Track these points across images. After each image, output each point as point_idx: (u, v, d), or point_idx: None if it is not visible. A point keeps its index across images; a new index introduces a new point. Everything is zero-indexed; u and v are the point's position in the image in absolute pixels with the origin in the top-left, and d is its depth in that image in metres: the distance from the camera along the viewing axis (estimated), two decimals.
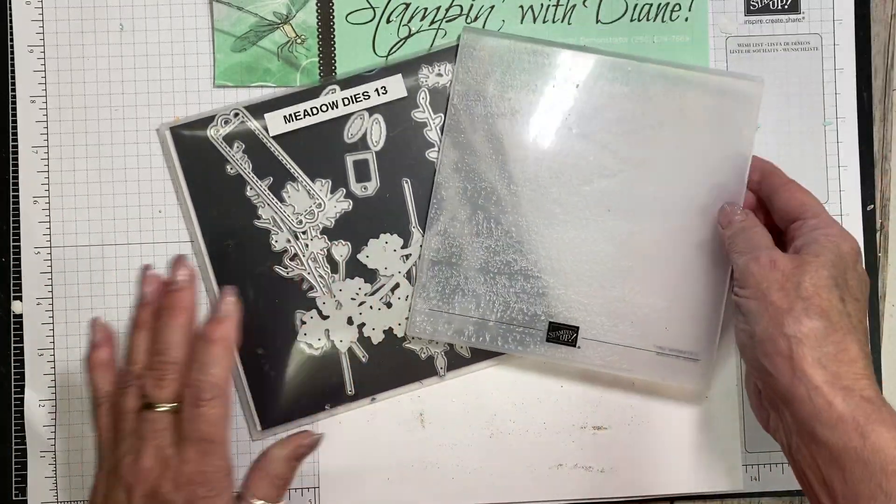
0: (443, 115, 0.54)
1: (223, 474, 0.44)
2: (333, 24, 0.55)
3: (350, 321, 0.54)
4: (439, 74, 0.54)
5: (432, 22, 0.55)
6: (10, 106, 0.54)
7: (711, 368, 0.53)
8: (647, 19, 0.55)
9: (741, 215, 0.51)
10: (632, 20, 0.55)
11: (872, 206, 0.56)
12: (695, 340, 0.53)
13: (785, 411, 0.44)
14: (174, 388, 0.44)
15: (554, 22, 0.55)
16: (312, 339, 0.54)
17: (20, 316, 0.54)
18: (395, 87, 0.54)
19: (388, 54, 0.55)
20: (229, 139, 0.54)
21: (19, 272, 0.54)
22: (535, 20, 0.55)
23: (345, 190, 0.54)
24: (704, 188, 0.54)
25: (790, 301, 0.44)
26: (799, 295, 0.44)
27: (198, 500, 0.43)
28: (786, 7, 0.56)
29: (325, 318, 0.54)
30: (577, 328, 0.53)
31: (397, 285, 0.54)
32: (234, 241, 0.54)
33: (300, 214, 0.54)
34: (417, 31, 0.55)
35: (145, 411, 0.44)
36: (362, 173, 0.54)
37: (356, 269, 0.54)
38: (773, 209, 0.51)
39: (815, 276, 0.44)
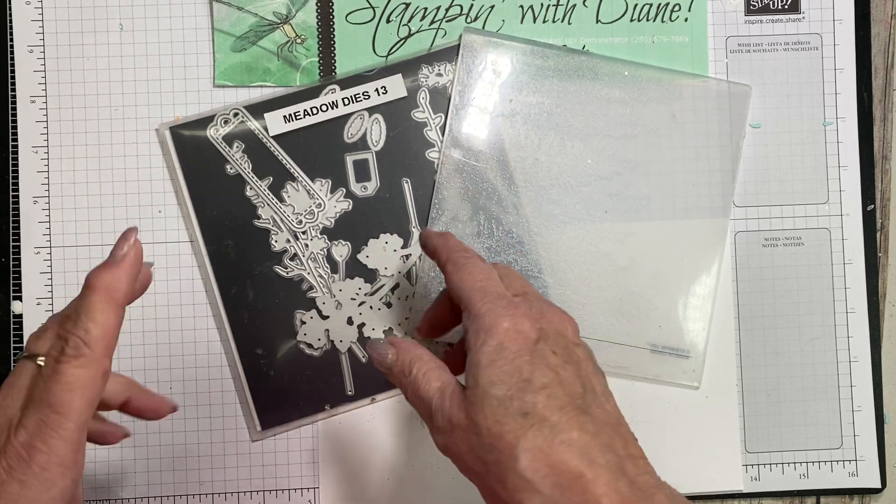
0: (443, 115, 0.54)
1: (57, 462, 0.33)
2: (333, 23, 0.55)
3: (350, 321, 0.54)
4: (439, 74, 0.54)
5: (432, 22, 0.55)
6: (10, 106, 0.54)
7: (702, 364, 0.54)
8: (647, 19, 0.55)
9: (391, 352, 0.42)
10: (632, 20, 0.55)
11: (873, 206, 0.56)
12: (686, 337, 0.54)
13: None
14: (49, 340, 0.35)
15: (554, 22, 0.55)
16: (312, 339, 0.54)
17: (20, 316, 0.54)
18: (395, 86, 0.54)
19: (388, 54, 0.55)
20: (229, 139, 0.54)
21: (19, 272, 0.54)
22: (535, 20, 0.55)
23: (345, 190, 0.54)
24: (696, 191, 0.55)
25: (484, 462, 0.37)
26: (485, 447, 0.37)
27: (9, 479, 0.33)
28: (786, 7, 0.56)
29: (325, 318, 0.54)
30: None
31: (397, 285, 0.54)
32: (234, 241, 0.54)
33: (300, 214, 0.54)
34: (417, 31, 0.55)
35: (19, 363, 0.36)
36: (362, 173, 0.54)
37: (356, 269, 0.54)
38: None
39: (484, 411, 0.37)
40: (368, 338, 0.54)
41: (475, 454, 0.37)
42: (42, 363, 0.34)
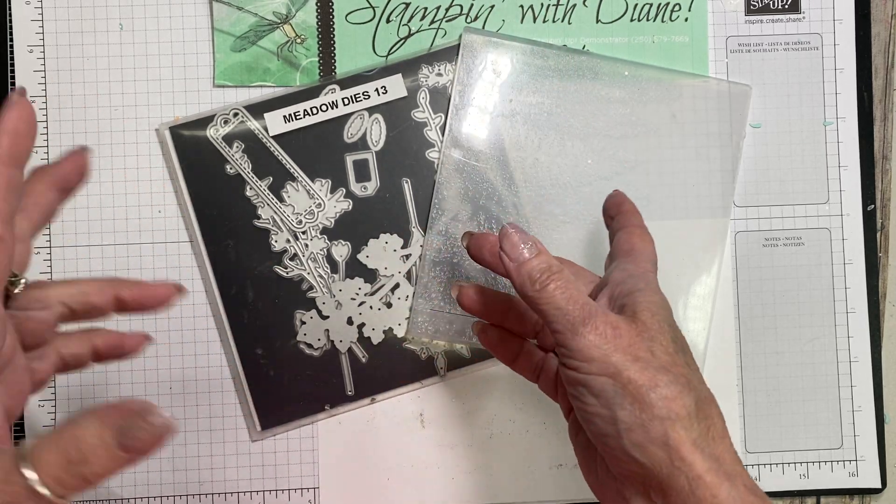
0: (443, 115, 0.54)
1: None
2: (333, 23, 0.55)
3: (350, 321, 0.54)
4: (439, 74, 0.54)
5: (432, 22, 0.55)
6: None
7: (702, 364, 0.54)
8: (647, 19, 0.55)
9: (532, 247, 0.40)
10: (632, 20, 0.55)
11: (873, 206, 0.56)
12: (686, 337, 0.54)
13: (658, 501, 0.37)
14: None
15: (554, 22, 0.55)
16: (312, 339, 0.54)
17: None
18: (395, 86, 0.54)
19: (388, 54, 0.55)
20: (229, 139, 0.54)
21: None
22: (535, 20, 0.55)
23: (344, 190, 0.54)
24: (696, 191, 0.55)
25: (651, 375, 0.37)
26: (659, 365, 0.37)
27: None
28: (786, 7, 0.56)
29: (325, 318, 0.54)
30: None
31: (397, 285, 0.54)
32: (234, 241, 0.54)
33: (300, 214, 0.54)
34: (417, 31, 0.55)
35: None
36: (362, 173, 0.54)
37: (356, 269, 0.54)
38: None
39: (664, 339, 0.38)
40: (368, 338, 0.54)
41: (641, 364, 0.37)
42: None
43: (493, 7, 0.55)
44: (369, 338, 0.54)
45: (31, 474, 0.27)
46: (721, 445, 0.37)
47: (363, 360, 0.54)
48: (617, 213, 0.47)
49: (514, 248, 0.40)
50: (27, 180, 0.34)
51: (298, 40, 0.54)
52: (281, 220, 0.54)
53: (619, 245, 0.44)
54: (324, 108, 0.54)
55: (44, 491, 0.27)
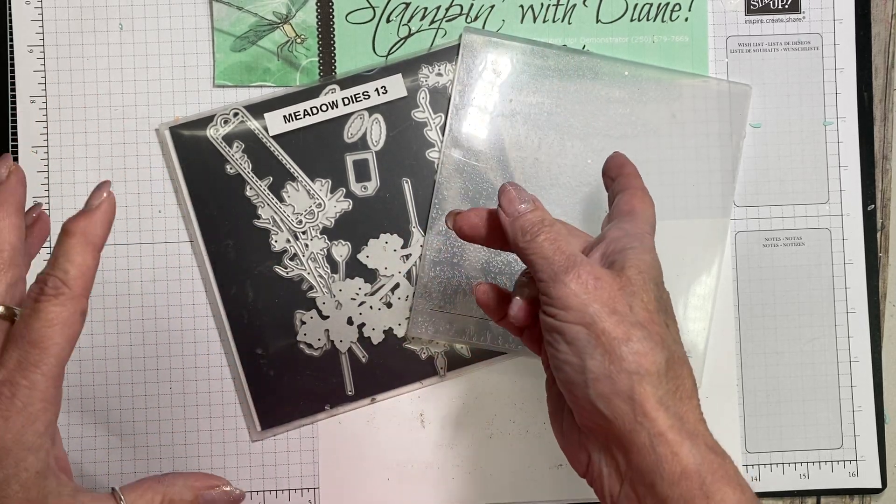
0: (443, 115, 0.54)
1: (39, 397, 0.35)
2: (333, 23, 0.55)
3: (350, 321, 0.54)
4: (439, 74, 0.54)
5: (432, 21, 0.55)
6: (10, 106, 0.54)
7: (702, 364, 0.54)
8: (647, 19, 0.55)
9: (529, 203, 0.41)
10: (632, 20, 0.55)
11: (873, 205, 0.56)
12: (686, 337, 0.54)
13: (619, 456, 0.38)
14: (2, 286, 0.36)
15: (554, 22, 0.55)
16: (312, 339, 0.54)
17: None
18: (395, 86, 0.54)
19: (388, 54, 0.55)
20: (229, 139, 0.54)
21: None
22: (535, 20, 0.55)
23: (345, 190, 0.54)
24: (696, 191, 0.55)
25: (625, 328, 0.37)
26: (635, 320, 0.37)
27: None
28: (786, 7, 0.56)
29: (325, 318, 0.54)
30: None
31: (397, 285, 0.54)
32: (234, 241, 0.54)
33: (300, 214, 0.54)
34: (417, 31, 0.55)
35: None
36: (362, 173, 0.54)
37: (356, 269, 0.54)
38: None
39: (646, 297, 0.38)
40: (368, 338, 0.54)
41: (617, 317, 0.37)
42: (11, 310, 0.36)
43: (493, 7, 0.55)
44: (369, 338, 0.54)
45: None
46: (687, 405, 0.37)
47: (363, 360, 0.54)
48: (618, 174, 0.46)
49: (511, 203, 0.41)
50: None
51: (298, 40, 0.54)
52: (281, 220, 0.54)
53: (618, 206, 0.44)
54: (324, 108, 0.54)
55: None
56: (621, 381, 0.36)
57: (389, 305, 0.54)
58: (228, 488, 0.41)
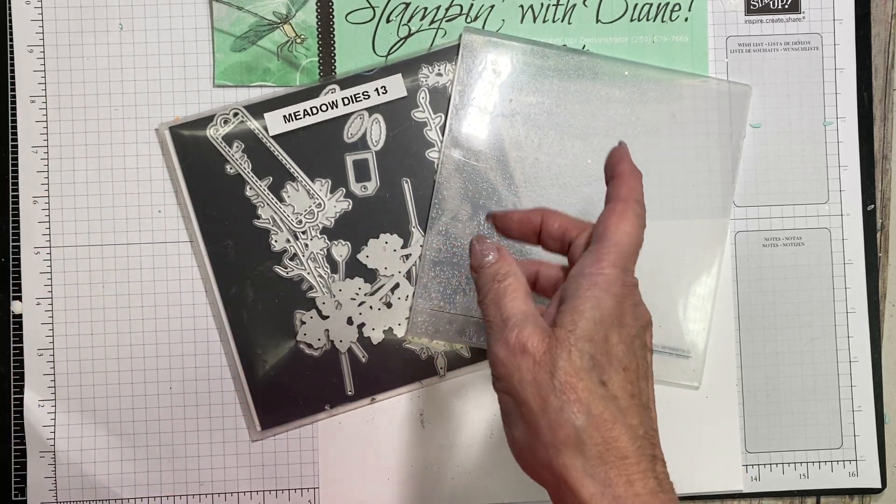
0: (443, 115, 0.54)
1: None
2: (333, 23, 0.55)
3: (350, 321, 0.54)
4: (439, 74, 0.54)
5: (432, 21, 0.55)
6: (10, 106, 0.54)
7: (702, 364, 0.54)
8: (647, 19, 0.55)
9: (493, 254, 0.41)
10: (632, 20, 0.55)
11: (873, 205, 0.56)
12: (686, 337, 0.54)
13: None
14: None
15: (554, 22, 0.55)
16: (312, 339, 0.54)
17: (20, 316, 0.54)
18: (395, 86, 0.54)
19: (388, 54, 0.55)
20: (229, 139, 0.54)
21: (19, 272, 0.54)
22: (535, 20, 0.55)
23: (344, 190, 0.54)
24: (696, 191, 0.55)
25: (543, 398, 0.36)
26: (553, 388, 0.36)
27: None
28: (786, 7, 0.56)
29: (324, 318, 0.54)
30: None
31: (397, 285, 0.54)
32: (234, 241, 0.54)
33: (300, 214, 0.54)
34: (417, 31, 0.55)
35: None
36: (362, 173, 0.54)
37: (356, 269, 0.54)
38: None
39: (570, 357, 0.37)
40: (368, 338, 0.54)
41: (536, 387, 0.37)
42: None
43: (493, 7, 0.55)
44: (369, 338, 0.54)
45: None
46: (617, 468, 0.36)
47: (363, 360, 0.54)
48: (611, 176, 0.43)
49: (476, 257, 0.42)
50: None
51: (298, 40, 0.54)
52: (281, 220, 0.54)
53: (596, 226, 0.41)
54: (324, 108, 0.54)
55: None
56: (541, 453, 0.37)
57: (389, 305, 0.54)
58: None
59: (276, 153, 0.54)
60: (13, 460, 0.54)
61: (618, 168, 0.43)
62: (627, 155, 0.43)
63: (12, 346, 0.54)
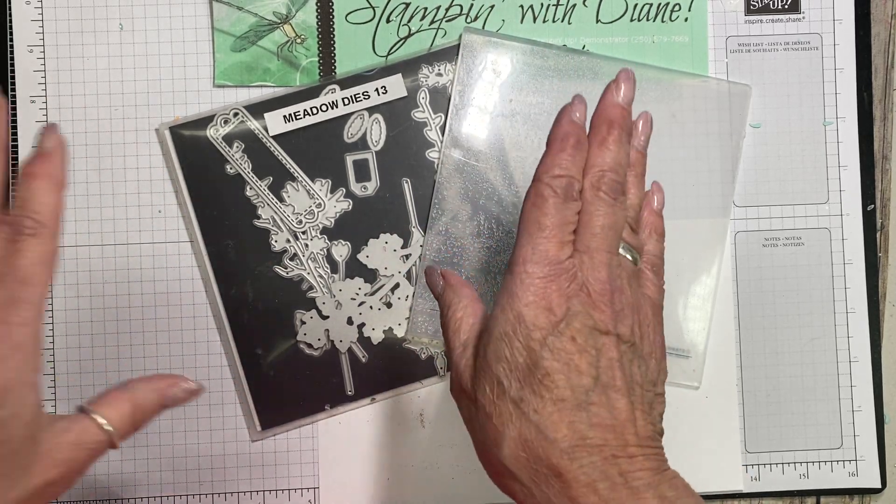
0: (443, 115, 0.54)
1: (31, 334, 0.35)
2: (333, 23, 0.55)
3: (350, 321, 0.54)
4: (439, 74, 0.54)
5: (432, 22, 0.55)
6: (10, 106, 0.54)
7: (702, 364, 0.54)
8: (647, 19, 0.55)
9: (440, 284, 0.42)
10: (632, 20, 0.55)
11: (873, 206, 0.56)
12: (686, 337, 0.54)
13: None
14: None
15: (554, 22, 0.55)
16: (312, 339, 0.54)
17: None
18: (395, 86, 0.54)
19: (388, 54, 0.55)
20: (229, 139, 0.54)
21: None
22: (535, 20, 0.55)
23: (344, 190, 0.54)
24: (696, 191, 0.55)
25: (473, 433, 0.38)
26: (480, 424, 0.37)
27: None
28: (786, 7, 0.56)
29: (324, 318, 0.54)
30: None
31: (397, 285, 0.54)
32: (234, 241, 0.54)
33: (300, 214, 0.54)
34: (417, 31, 0.55)
35: None
36: (362, 173, 0.54)
37: (356, 269, 0.54)
38: None
39: (485, 389, 0.37)
40: (368, 338, 0.54)
41: (471, 424, 0.38)
42: None
43: (493, 7, 0.55)
44: (369, 338, 0.54)
45: (101, 419, 0.37)
46: (550, 486, 0.35)
47: (363, 360, 0.54)
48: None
49: (431, 289, 0.43)
50: None
51: (298, 40, 0.54)
52: (281, 220, 0.54)
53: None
54: (324, 108, 0.54)
55: (110, 428, 0.37)
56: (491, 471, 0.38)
57: (389, 305, 0.54)
58: (188, 384, 0.40)
59: (276, 153, 0.54)
60: None
61: (561, 121, 0.40)
62: (564, 115, 0.40)
63: None
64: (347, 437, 0.54)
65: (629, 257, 0.39)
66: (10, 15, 0.54)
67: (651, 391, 0.38)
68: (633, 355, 0.37)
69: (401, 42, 0.55)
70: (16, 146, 0.54)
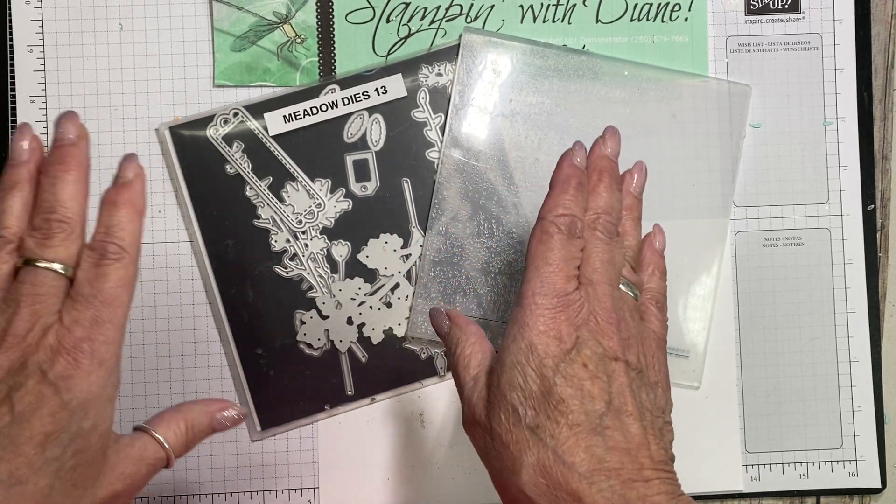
0: (443, 115, 0.54)
1: (114, 352, 0.37)
2: (333, 23, 0.55)
3: (350, 321, 0.54)
4: (439, 74, 0.54)
5: (432, 21, 0.55)
6: (10, 106, 0.54)
7: (702, 364, 0.54)
8: (647, 19, 0.55)
9: (446, 324, 0.43)
10: (632, 20, 0.55)
11: (873, 205, 0.56)
12: (686, 337, 0.54)
13: None
14: (66, 249, 0.37)
15: (554, 22, 0.55)
16: (312, 339, 0.54)
17: None
18: (395, 86, 0.54)
19: (388, 54, 0.55)
20: (229, 139, 0.54)
21: None
22: (535, 20, 0.55)
23: (344, 190, 0.54)
24: (696, 190, 0.55)
25: (489, 462, 0.39)
26: (496, 453, 0.38)
27: (78, 373, 0.35)
28: (786, 7, 0.56)
29: (324, 318, 0.54)
30: None
31: (397, 285, 0.54)
32: (234, 241, 0.54)
33: (300, 214, 0.54)
34: (417, 31, 0.55)
35: (24, 269, 0.36)
36: (362, 173, 0.54)
37: (356, 269, 0.54)
38: None
39: (500, 418, 0.38)
40: (368, 338, 0.54)
41: (486, 454, 0.38)
42: (62, 271, 0.37)
43: (493, 7, 0.55)
44: (369, 338, 0.54)
45: (160, 437, 0.40)
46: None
47: (363, 360, 0.54)
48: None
49: (436, 330, 0.44)
50: None
51: (298, 40, 0.54)
52: (281, 220, 0.54)
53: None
54: (324, 108, 0.54)
55: (167, 446, 0.40)
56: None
57: (389, 305, 0.54)
58: (234, 411, 0.43)
59: (276, 153, 0.54)
60: None
61: (563, 166, 0.42)
62: (565, 159, 0.42)
63: None
64: (347, 437, 0.54)
65: (630, 293, 0.41)
66: (10, 15, 0.54)
67: (660, 418, 0.39)
68: (641, 382, 0.39)
69: (401, 42, 0.55)
70: None
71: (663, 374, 0.41)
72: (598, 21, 0.55)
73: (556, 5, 0.55)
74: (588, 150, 0.43)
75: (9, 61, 0.54)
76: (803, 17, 0.56)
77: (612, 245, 0.41)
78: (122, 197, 0.39)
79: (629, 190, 0.45)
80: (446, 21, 0.55)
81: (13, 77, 0.54)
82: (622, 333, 0.39)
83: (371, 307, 0.54)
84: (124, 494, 0.39)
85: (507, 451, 0.37)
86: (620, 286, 0.41)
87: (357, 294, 0.54)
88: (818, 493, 0.56)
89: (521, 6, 0.55)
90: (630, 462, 0.36)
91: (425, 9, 0.55)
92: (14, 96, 0.54)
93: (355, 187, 0.54)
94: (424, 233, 0.54)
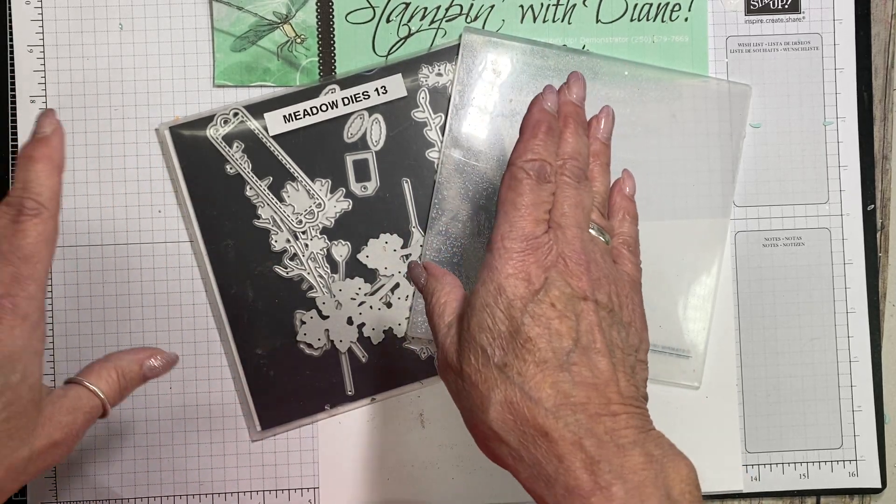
0: (443, 115, 0.54)
1: (36, 307, 0.38)
2: (333, 23, 0.55)
3: (350, 321, 0.54)
4: (439, 74, 0.54)
5: (432, 21, 0.55)
6: (10, 106, 0.54)
7: (702, 364, 0.54)
8: (647, 19, 0.55)
9: (423, 276, 0.43)
10: (632, 20, 0.55)
11: (873, 205, 0.56)
12: (686, 337, 0.54)
13: None
14: None
15: (554, 22, 0.55)
16: (312, 338, 0.54)
17: None
18: (395, 86, 0.54)
19: (388, 54, 0.55)
20: (229, 139, 0.54)
21: None
22: (535, 20, 0.55)
23: (344, 190, 0.54)
24: (696, 190, 0.55)
25: (461, 404, 0.40)
26: (467, 393, 0.39)
27: (1, 328, 0.36)
28: (786, 7, 0.56)
29: (324, 318, 0.54)
30: None
31: (397, 285, 0.54)
32: (234, 241, 0.54)
33: (300, 214, 0.54)
34: (417, 31, 0.55)
35: None
36: (362, 173, 0.54)
37: (356, 269, 0.54)
38: None
39: (469, 359, 0.38)
40: (368, 338, 0.54)
41: (458, 396, 0.39)
42: None
43: (493, 7, 0.55)
44: (369, 338, 0.54)
45: (92, 386, 0.41)
46: (537, 448, 0.37)
47: (363, 360, 0.54)
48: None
49: (414, 283, 0.45)
50: None
51: (298, 40, 0.54)
52: (281, 219, 0.54)
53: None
54: (324, 108, 0.54)
55: (101, 395, 0.41)
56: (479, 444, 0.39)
57: (389, 305, 0.54)
58: (162, 357, 0.44)
59: (276, 153, 0.54)
60: None
61: (534, 109, 0.42)
62: (535, 104, 0.42)
63: None
64: (347, 437, 0.54)
65: (601, 238, 0.42)
66: (10, 15, 0.54)
67: (633, 356, 0.40)
68: (613, 321, 0.39)
69: (401, 42, 0.55)
70: (16, 146, 0.54)
71: (638, 315, 0.41)
72: (598, 21, 0.55)
73: (556, 5, 0.55)
74: (556, 95, 0.43)
75: (9, 61, 0.54)
76: (803, 17, 0.56)
77: (581, 189, 0.41)
78: (39, 152, 0.39)
79: (596, 136, 0.45)
80: (446, 21, 0.55)
81: (13, 77, 0.54)
82: (592, 274, 0.39)
83: (371, 307, 0.54)
84: (63, 443, 0.39)
85: (476, 390, 0.38)
86: (591, 230, 0.41)
87: (357, 294, 0.54)
88: (818, 493, 0.56)
89: (521, 6, 0.55)
90: (598, 397, 0.37)
91: (425, 9, 0.55)
92: (14, 96, 0.54)
93: (355, 187, 0.54)
94: (424, 233, 0.54)
